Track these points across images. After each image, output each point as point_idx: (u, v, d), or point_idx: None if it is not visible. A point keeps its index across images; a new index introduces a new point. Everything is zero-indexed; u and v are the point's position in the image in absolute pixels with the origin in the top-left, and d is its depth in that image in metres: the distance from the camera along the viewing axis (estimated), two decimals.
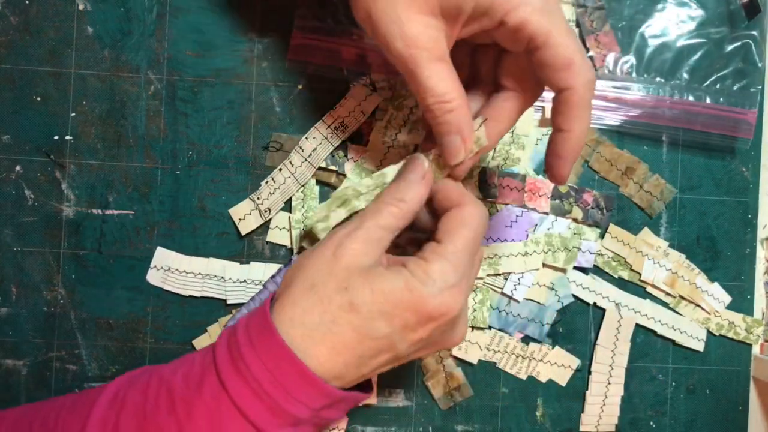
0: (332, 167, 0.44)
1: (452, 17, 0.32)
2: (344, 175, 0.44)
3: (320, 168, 0.44)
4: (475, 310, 0.45)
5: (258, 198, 0.44)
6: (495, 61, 0.36)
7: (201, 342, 0.45)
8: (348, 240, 0.32)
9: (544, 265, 0.45)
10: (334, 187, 0.45)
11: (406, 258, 0.33)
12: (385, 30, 0.32)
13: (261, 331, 0.31)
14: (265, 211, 0.44)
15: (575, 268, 0.46)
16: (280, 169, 0.44)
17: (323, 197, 0.45)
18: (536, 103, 0.45)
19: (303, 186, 0.44)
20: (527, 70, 0.34)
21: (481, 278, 0.45)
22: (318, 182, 0.45)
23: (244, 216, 0.44)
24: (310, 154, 0.44)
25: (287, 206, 0.45)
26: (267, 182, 0.44)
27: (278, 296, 0.33)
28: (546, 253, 0.45)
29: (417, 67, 0.32)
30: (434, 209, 0.35)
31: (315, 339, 0.31)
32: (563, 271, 0.46)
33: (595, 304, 0.46)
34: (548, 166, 0.35)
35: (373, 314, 0.31)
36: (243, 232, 0.44)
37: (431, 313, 0.31)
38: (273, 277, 0.44)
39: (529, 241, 0.45)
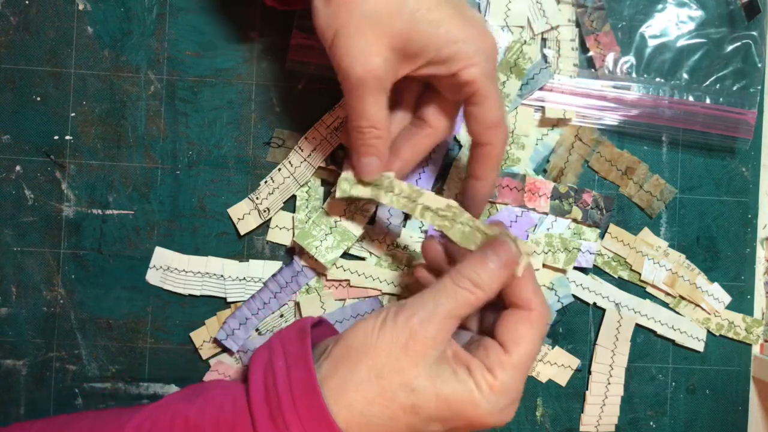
0: (332, 166, 0.44)
1: (410, 59, 0.34)
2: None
3: (320, 167, 0.44)
4: None
5: (257, 198, 0.44)
6: (419, 93, 0.39)
7: (198, 334, 0.45)
8: (422, 331, 0.31)
9: (544, 265, 0.45)
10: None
11: (471, 360, 0.32)
12: (348, 52, 0.33)
13: (305, 394, 0.31)
14: (264, 211, 0.44)
15: (575, 268, 0.46)
16: (279, 169, 0.44)
17: (327, 198, 0.45)
18: (537, 103, 0.45)
19: (302, 186, 0.44)
20: (447, 110, 0.38)
21: None
22: (323, 183, 0.45)
23: (243, 216, 0.44)
24: (310, 154, 0.44)
25: (287, 206, 0.45)
26: (266, 182, 0.44)
27: (335, 367, 0.32)
28: (546, 253, 0.45)
29: (365, 93, 0.34)
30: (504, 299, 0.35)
31: (369, 428, 0.31)
32: (563, 271, 0.46)
33: (595, 304, 0.46)
34: (467, 208, 0.38)
35: (432, 418, 0.31)
36: (242, 232, 0.44)
37: (485, 425, 0.32)
38: (274, 276, 0.44)
39: (530, 241, 0.45)
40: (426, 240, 0.40)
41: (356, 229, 0.44)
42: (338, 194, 0.39)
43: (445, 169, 0.45)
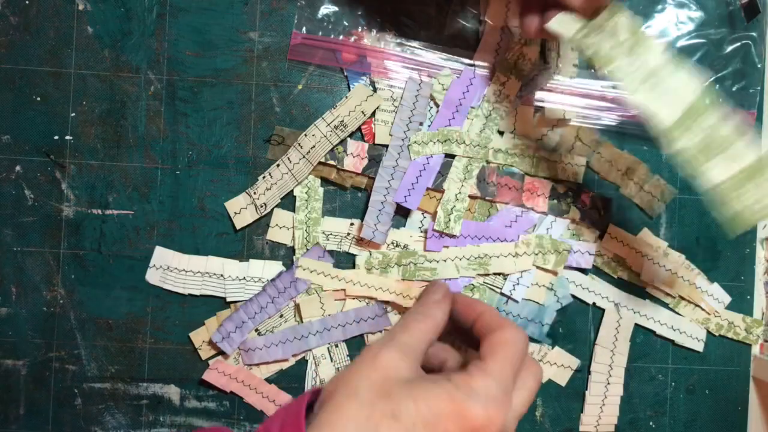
0: (331, 162, 0.44)
1: None
2: (344, 171, 0.44)
3: (320, 163, 0.44)
4: None
5: (254, 192, 0.44)
6: None
7: (198, 335, 0.45)
8: (384, 351, 0.33)
9: (537, 267, 0.45)
10: (335, 184, 0.45)
11: (449, 372, 0.33)
12: None
13: None
14: (261, 206, 0.44)
15: (575, 268, 0.46)
16: (278, 165, 0.44)
17: (327, 198, 0.45)
18: (537, 104, 0.45)
19: (300, 183, 0.44)
20: None
21: (473, 277, 0.45)
22: (323, 182, 0.45)
23: (240, 210, 0.44)
24: (309, 152, 0.44)
25: (287, 205, 0.45)
26: (264, 177, 0.44)
27: (320, 404, 0.33)
28: (536, 254, 0.45)
29: None
30: (476, 335, 0.36)
31: None
32: (554, 273, 0.45)
33: (594, 304, 0.46)
34: None
35: (416, 424, 0.31)
36: (238, 226, 0.44)
37: (473, 423, 0.31)
38: (273, 280, 0.44)
39: (520, 242, 0.45)
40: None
41: None
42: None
43: (446, 167, 0.45)
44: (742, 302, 0.47)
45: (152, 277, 0.45)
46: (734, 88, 0.46)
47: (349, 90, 0.45)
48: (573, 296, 0.46)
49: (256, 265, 0.45)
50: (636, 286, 0.47)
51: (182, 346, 0.45)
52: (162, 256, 0.45)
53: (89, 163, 0.44)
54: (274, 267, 0.45)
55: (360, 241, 0.45)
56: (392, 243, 0.45)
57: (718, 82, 0.46)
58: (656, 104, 0.33)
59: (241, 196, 0.45)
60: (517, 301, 0.45)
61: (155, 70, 0.45)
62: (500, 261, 0.45)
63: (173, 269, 0.45)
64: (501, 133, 0.45)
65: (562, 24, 0.36)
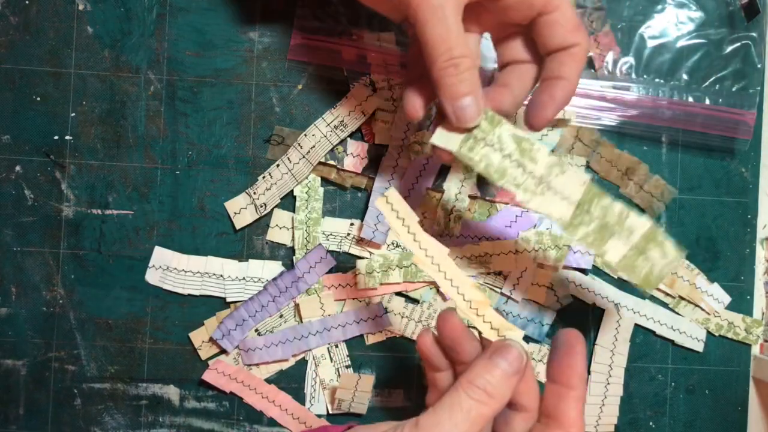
0: (331, 162, 0.44)
1: None
2: (344, 171, 0.44)
3: (320, 163, 0.44)
4: None
5: (254, 192, 0.44)
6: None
7: (198, 335, 0.45)
8: None
9: (537, 264, 0.45)
10: (335, 184, 0.45)
11: None
12: None
13: None
14: (261, 206, 0.44)
15: (575, 268, 0.46)
16: (278, 165, 0.44)
17: (327, 198, 0.45)
18: None
19: (299, 183, 0.44)
20: (528, 45, 0.36)
21: (474, 277, 0.45)
22: (323, 182, 0.45)
23: (240, 210, 0.44)
24: (309, 152, 0.44)
25: (287, 205, 0.45)
26: (264, 177, 0.44)
27: None
28: (537, 251, 0.45)
29: (448, 13, 0.31)
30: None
31: None
32: (555, 269, 0.45)
33: (594, 304, 0.46)
34: (536, 107, 0.35)
35: None
36: (237, 226, 0.44)
37: None
38: (274, 279, 0.44)
39: (519, 239, 0.45)
40: (445, 313, 0.34)
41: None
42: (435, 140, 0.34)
43: (446, 167, 0.45)
44: (742, 302, 0.47)
45: (152, 277, 0.45)
46: (734, 88, 0.46)
47: (349, 90, 0.45)
48: (573, 296, 0.46)
49: (256, 265, 0.45)
50: (636, 287, 0.47)
51: (182, 346, 0.45)
52: (161, 256, 0.45)
53: (89, 163, 0.45)
54: (274, 267, 0.45)
55: (360, 242, 0.45)
56: (392, 243, 0.45)
57: (718, 83, 0.46)
58: (551, 206, 0.34)
59: (240, 196, 0.45)
60: (517, 301, 0.45)
61: (155, 70, 0.45)
62: (501, 259, 0.45)
63: (173, 269, 0.45)
64: None
65: (443, 138, 0.34)
